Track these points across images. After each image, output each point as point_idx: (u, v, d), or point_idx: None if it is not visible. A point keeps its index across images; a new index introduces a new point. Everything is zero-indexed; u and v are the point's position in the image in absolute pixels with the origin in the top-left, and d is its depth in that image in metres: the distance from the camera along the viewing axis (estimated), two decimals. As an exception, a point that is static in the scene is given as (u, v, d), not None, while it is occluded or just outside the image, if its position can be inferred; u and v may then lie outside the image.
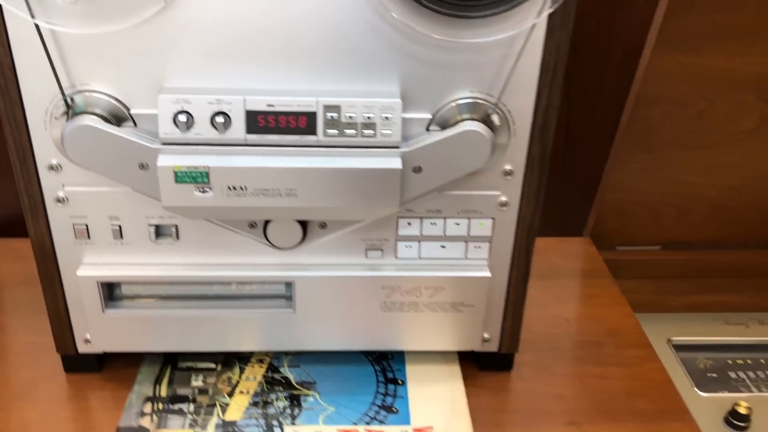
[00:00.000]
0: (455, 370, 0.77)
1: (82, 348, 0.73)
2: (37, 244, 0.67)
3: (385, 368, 0.77)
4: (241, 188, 0.61)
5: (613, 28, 0.84)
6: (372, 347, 0.75)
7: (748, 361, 0.91)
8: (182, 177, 0.60)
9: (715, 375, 0.90)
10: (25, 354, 0.77)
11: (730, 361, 0.92)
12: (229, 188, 0.60)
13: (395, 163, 0.61)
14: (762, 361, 0.92)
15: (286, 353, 0.78)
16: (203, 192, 0.60)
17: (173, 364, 0.76)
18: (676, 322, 0.97)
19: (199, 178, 0.60)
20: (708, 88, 0.87)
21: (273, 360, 0.77)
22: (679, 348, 0.93)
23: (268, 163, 0.60)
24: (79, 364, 0.74)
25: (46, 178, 0.64)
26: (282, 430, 0.69)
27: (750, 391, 0.87)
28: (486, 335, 0.75)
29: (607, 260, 0.99)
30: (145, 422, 0.69)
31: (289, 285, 0.70)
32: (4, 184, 0.97)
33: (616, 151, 0.93)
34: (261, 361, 0.77)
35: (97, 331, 0.71)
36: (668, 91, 0.87)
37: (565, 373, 0.78)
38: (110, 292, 0.70)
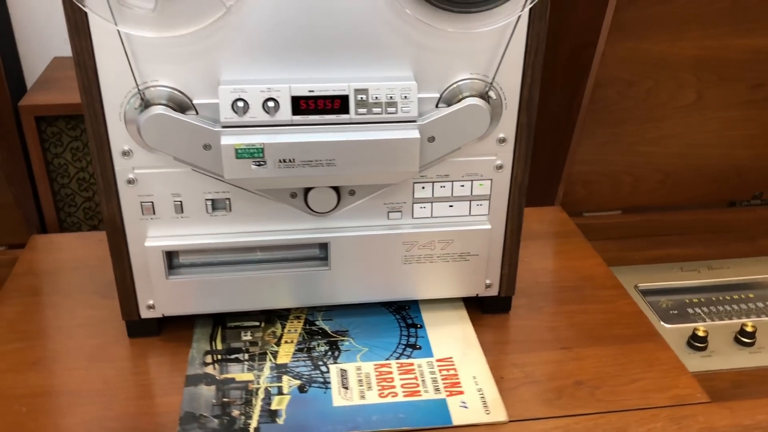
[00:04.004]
0: (463, 314, 0.91)
1: (145, 314, 0.84)
2: (109, 221, 0.78)
3: (405, 317, 0.90)
4: (290, 161, 0.74)
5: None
6: (396, 297, 0.88)
7: (702, 299, 1.08)
8: (242, 153, 0.72)
9: (676, 312, 1.06)
10: (89, 326, 0.88)
11: (687, 300, 1.08)
12: (280, 161, 0.73)
13: (414, 134, 0.75)
14: (713, 298, 1.08)
15: (319, 310, 0.90)
16: (259, 165, 0.73)
17: (222, 324, 0.88)
18: (639, 272, 1.13)
19: (255, 153, 0.73)
20: (654, 70, 1.04)
21: (308, 316, 0.90)
22: (645, 292, 1.09)
23: (311, 139, 0.73)
24: (141, 329, 0.85)
25: (119, 163, 0.75)
26: (327, 367, 0.82)
27: (704, 321, 1.03)
28: (488, 281, 0.89)
29: (577, 224, 1.15)
30: (209, 370, 0.81)
31: (323, 246, 0.83)
32: (44, 196, 1.08)
33: (579, 128, 1.09)
34: (298, 317, 0.90)
35: (161, 297, 0.82)
36: (621, 73, 1.03)
37: (554, 311, 0.93)
38: (170, 261, 0.82)
